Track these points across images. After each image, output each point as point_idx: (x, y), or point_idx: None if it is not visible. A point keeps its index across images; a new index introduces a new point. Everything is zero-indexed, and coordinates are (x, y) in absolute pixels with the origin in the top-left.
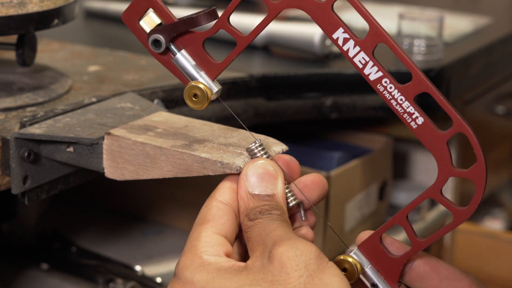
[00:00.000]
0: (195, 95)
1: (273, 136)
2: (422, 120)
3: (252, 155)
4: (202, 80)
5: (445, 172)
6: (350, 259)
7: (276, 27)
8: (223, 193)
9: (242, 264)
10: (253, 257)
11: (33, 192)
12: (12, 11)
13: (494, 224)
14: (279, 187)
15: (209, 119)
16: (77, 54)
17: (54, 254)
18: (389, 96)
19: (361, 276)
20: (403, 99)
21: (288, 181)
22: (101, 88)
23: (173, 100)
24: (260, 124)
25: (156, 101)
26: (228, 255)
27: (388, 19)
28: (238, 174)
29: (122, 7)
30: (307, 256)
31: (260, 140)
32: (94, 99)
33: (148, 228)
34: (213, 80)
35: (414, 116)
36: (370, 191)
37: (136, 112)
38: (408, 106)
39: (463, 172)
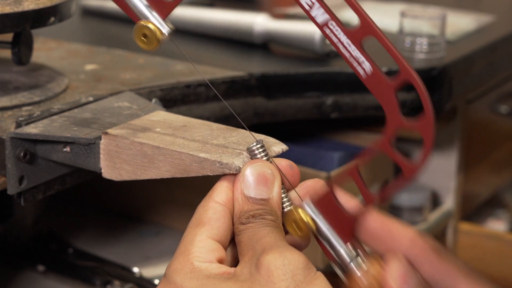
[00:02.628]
0: (144, 35)
1: (273, 136)
2: (371, 68)
3: (252, 156)
4: (153, 19)
5: (394, 123)
6: (301, 212)
7: (276, 25)
8: (220, 193)
9: (232, 270)
10: (242, 263)
11: (29, 193)
12: (7, 9)
13: (497, 225)
14: (275, 191)
15: (208, 118)
16: (74, 53)
17: (51, 255)
18: (336, 40)
19: (313, 231)
20: (350, 43)
21: (287, 186)
22: (98, 87)
23: (171, 99)
24: (259, 124)
25: (154, 100)
26: (220, 261)
27: (390, 17)
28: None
29: None
30: (295, 266)
31: (262, 140)
32: (91, 98)
33: (146, 229)
34: (164, 20)
35: (362, 64)
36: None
37: (133, 112)
38: (355, 51)
39: (411, 123)
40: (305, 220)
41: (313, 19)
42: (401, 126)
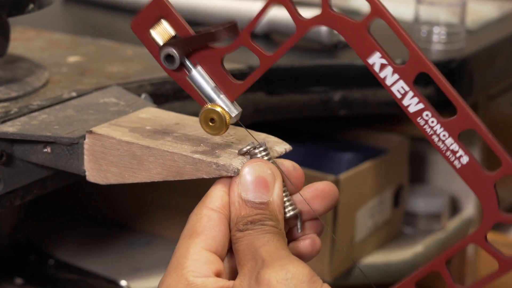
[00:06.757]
0: (212, 120)
1: (275, 135)
2: (467, 159)
3: (252, 156)
4: (221, 102)
5: (490, 217)
6: None
7: (278, 13)
8: (215, 199)
9: (230, 284)
10: (241, 276)
11: (6, 198)
12: None
13: None
14: (275, 194)
15: None
16: (55, 43)
17: (30, 267)
18: (430, 131)
19: None
20: (446, 135)
21: (290, 190)
22: (82, 81)
23: (163, 94)
24: (260, 122)
25: (143, 95)
26: (218, 274)
27: (404, 4)
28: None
29: None
30: (298, 279)
31: (263, 139)
32: (74, 94)
33: (135, 238)
34: (232, 102)
35: (458, 155)
36: (383, 197)
37: (121, 108)
38: (452, 143)
39: (509, 217)
40: None
41: (404, 108)
42: (499, 220)
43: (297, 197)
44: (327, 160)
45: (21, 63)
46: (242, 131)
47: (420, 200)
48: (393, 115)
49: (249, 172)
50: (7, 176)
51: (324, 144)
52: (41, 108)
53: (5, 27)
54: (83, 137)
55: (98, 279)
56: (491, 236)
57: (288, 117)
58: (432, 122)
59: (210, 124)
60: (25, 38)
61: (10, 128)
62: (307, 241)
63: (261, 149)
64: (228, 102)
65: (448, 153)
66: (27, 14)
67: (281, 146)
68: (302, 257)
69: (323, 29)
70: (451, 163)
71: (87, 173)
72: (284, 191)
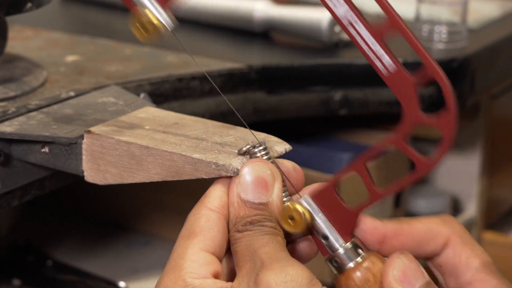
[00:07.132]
0: (143, 27)
1: (275, 135)
2: (392, 64)
3: (252, 156)
4: (153, 9)
5: (411, 118)
6: (298, 207)
7: (278, 11)
8: (214, 199)
9: (229, 286)
10: (239, 277)
11: (3, 199)
12: None
13: None
14: (275, 194)
15: (202, 115)
16: (53, 42)
17: (28, 268)
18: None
19: (309, 224)
20: (372, 40)
21: (290, 190)
22: (80, 80)
23: (162, 94)
24: (260, 122)
25: (142, 95)
26: (216, 275)
27: (406, 3)
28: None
29: None
30: (297, 282)
31: (263, 139)
32: (72, 93)
33: (134, 238)
34: (165, 10)
35: (382, 57)
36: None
37: (120, 108)
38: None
39: (430, 120)
40: (301, 211)
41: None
42: (419, 122)
43: (297, 197)
44: (327, 160)
45: (19, 62)
46: (242, 130)
47: (421, 200)
48: (394, 114)
49: (248, 172)
50: (5, 176)
51: (324, 144)
52: (39, 108)
53: (3, 26)
54: (82, 137)
55: (97, 280)
56: (491, 237)
57: (288, 117)
58: (357, 24)
59: (140, 30)
60: (23, 37)
61: (7, 128)
62: (305, 243)
63: (261, 148)
64: (161, 10)
65: (372, 57)
66: (25, 13)
67: (281, 146)
68: (300, 258)
69: (324, 27)
70: (376, 68)
71: (85, 173)
72: (283, 192)
